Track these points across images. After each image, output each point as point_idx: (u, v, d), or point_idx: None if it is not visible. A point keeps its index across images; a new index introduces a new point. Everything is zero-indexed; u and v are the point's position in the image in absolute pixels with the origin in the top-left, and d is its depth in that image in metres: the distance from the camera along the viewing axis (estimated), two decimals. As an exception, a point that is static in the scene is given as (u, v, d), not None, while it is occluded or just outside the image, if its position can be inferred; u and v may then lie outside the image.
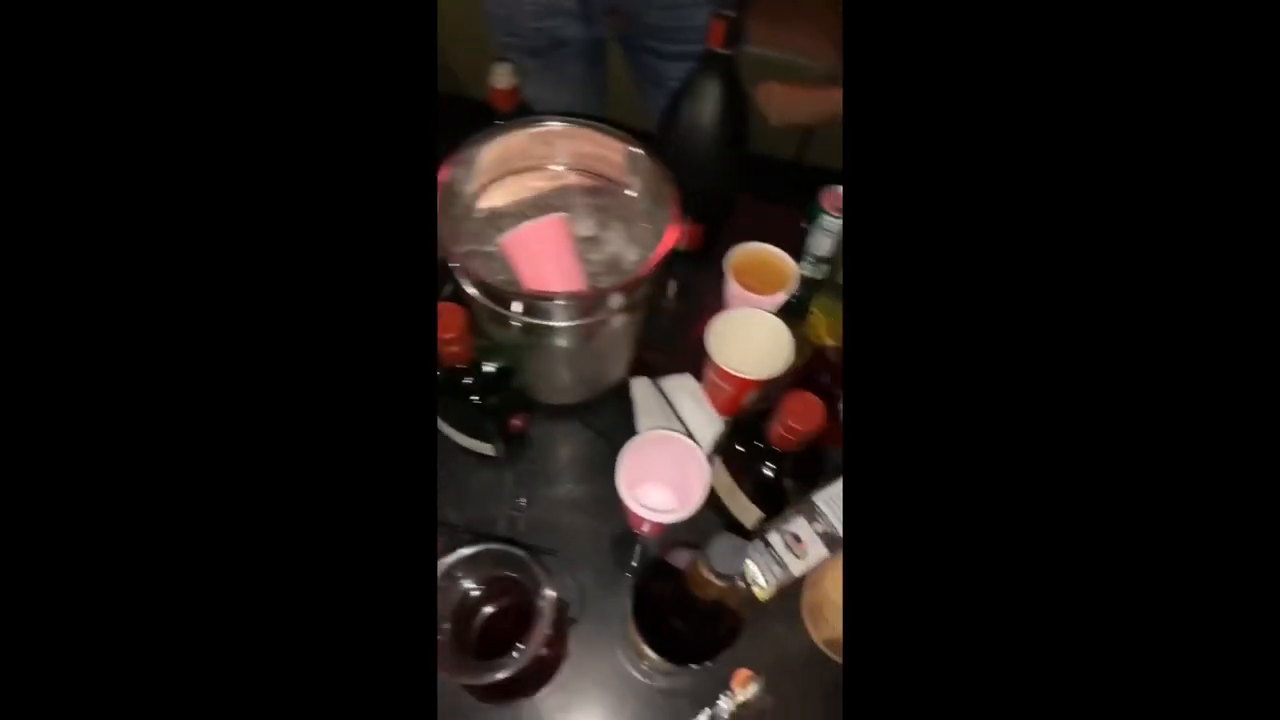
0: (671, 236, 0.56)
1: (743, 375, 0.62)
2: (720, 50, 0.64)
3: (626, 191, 0.65)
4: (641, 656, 0.54)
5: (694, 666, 0.50)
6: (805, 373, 0.67)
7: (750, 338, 0.66)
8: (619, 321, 0.60)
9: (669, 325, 0.76)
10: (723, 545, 0.38)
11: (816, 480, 0.56)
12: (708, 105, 0.68)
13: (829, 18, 1.61)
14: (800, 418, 0.49)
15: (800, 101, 1.28)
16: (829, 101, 1.25)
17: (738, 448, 0.58)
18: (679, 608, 0.47)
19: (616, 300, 0.56)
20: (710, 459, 0.62)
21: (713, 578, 0.38)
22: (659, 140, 0.71)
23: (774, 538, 0.66)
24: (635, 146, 0.62)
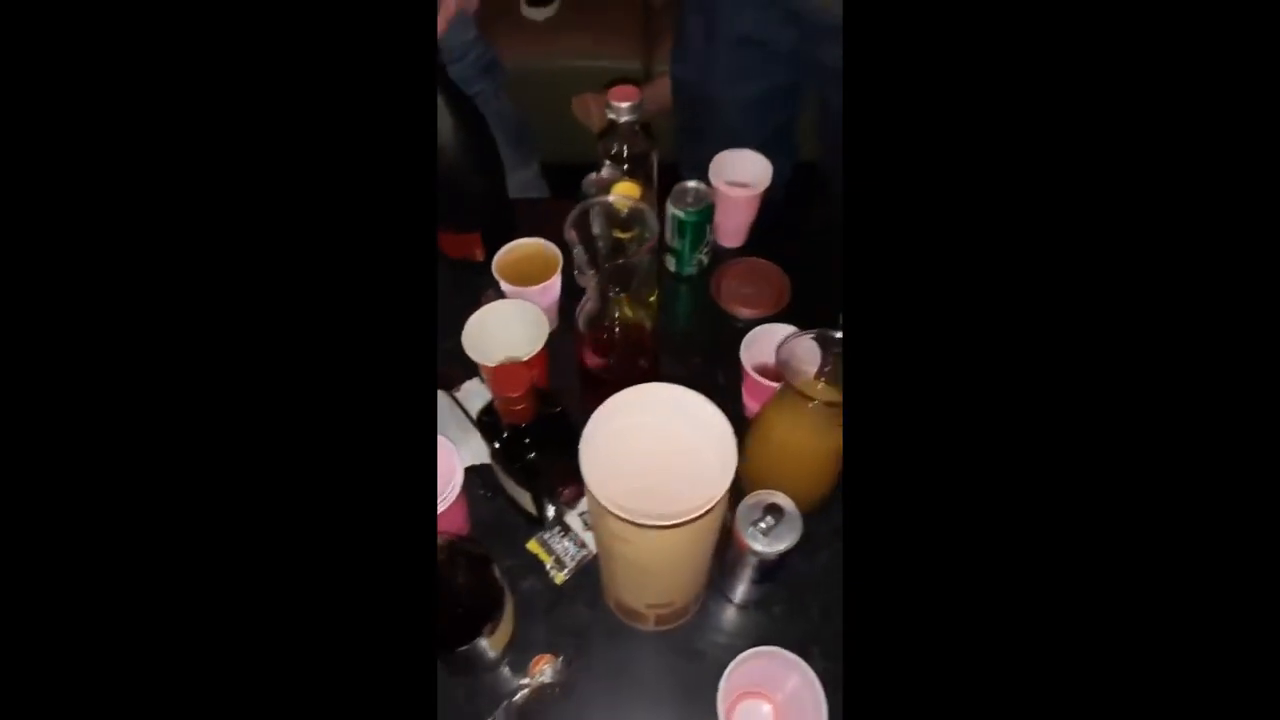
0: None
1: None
2: (422, 63, 0.66)
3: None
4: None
5: (457, 651, 0.50)
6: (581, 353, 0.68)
7: (510, 329, 0.67)
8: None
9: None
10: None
11: (566, 447, 0.56)
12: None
13: (629, 16, 1.67)
14: (504, 385, 0.50)
15: (619, 107, 1.31)
16: (646, 100, 1.28)
17: (494, 444, 0.58)
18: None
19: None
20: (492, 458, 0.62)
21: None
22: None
23: (572, 519, 0.66)
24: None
